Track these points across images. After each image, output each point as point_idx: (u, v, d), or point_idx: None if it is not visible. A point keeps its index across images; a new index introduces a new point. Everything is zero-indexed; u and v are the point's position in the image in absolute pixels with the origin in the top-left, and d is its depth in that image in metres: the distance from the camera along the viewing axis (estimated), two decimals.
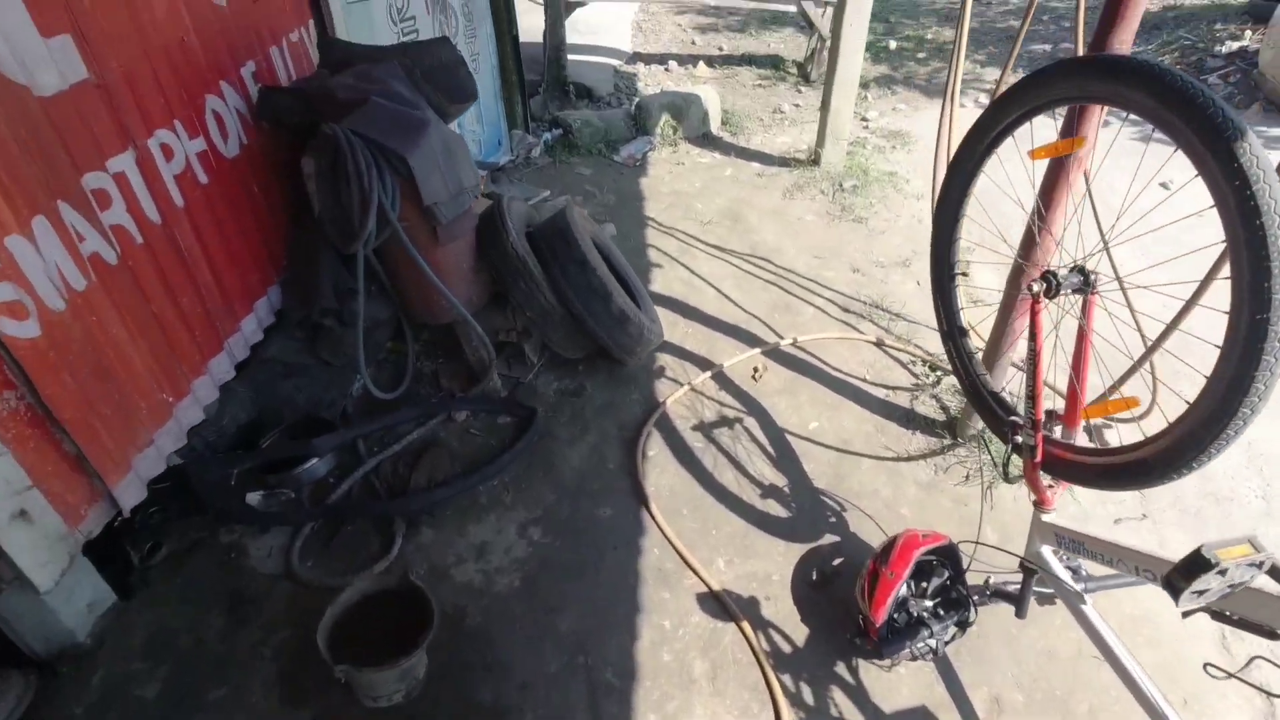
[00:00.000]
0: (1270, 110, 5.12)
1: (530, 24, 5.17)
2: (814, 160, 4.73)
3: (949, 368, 2.77)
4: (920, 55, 7.08)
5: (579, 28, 6.81)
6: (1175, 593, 1.27)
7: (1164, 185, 3.91)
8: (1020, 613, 1.89)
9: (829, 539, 2.34)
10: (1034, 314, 1.63)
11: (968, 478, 2.52)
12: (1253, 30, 5.92)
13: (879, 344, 3.16)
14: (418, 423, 2.69)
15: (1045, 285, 1.58)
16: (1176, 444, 1.37)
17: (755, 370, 3.01)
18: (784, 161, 4.88)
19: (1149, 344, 2.28)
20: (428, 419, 2.70)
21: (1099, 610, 1.70)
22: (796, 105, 5.85)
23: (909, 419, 2.79)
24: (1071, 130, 1.85)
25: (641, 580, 2.20)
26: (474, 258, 2.76)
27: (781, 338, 3.17)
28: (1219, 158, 1.22)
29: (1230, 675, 1.40)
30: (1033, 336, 1.66)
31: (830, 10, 5.15)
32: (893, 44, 7.34)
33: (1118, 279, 2.20)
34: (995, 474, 2.49)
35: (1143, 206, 1.96)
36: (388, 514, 2.35)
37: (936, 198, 2.08)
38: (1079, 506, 2.44)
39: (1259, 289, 1.19)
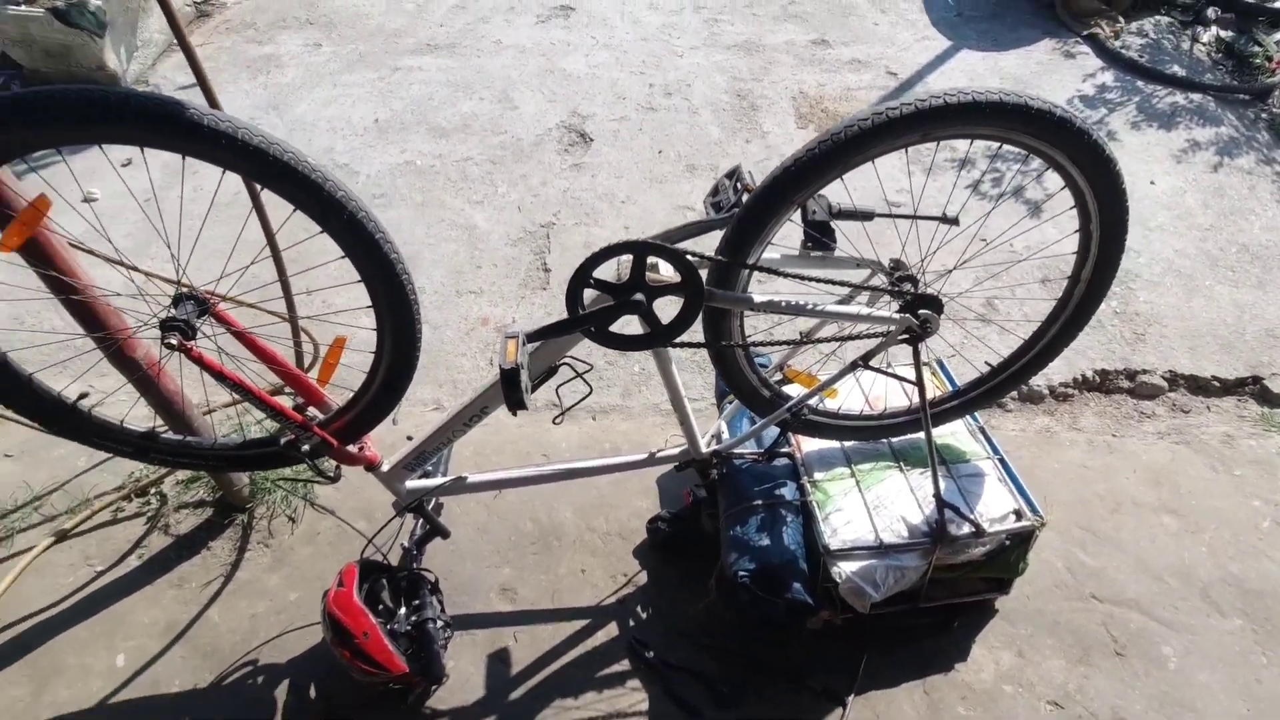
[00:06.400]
0: None
1: None
2: None
3: (159, 475, 2.39)
4: None
5: None
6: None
7: None
8: (445, 534, 2.01)
9: None
10: (198, 361, 1.45)
11: (292, 519, 2.36)
12: None
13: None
14: None
15: (179, 334, 1.39)
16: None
17: None
18: None
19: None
20: None
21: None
22: None
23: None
24: None
25: None
26: None
27: None
28: None
29: None
30: (219, 378, 1.50)
31: None
32: None
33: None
34: (305, 492, 2.39)
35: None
36: None
37: None
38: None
39: None
